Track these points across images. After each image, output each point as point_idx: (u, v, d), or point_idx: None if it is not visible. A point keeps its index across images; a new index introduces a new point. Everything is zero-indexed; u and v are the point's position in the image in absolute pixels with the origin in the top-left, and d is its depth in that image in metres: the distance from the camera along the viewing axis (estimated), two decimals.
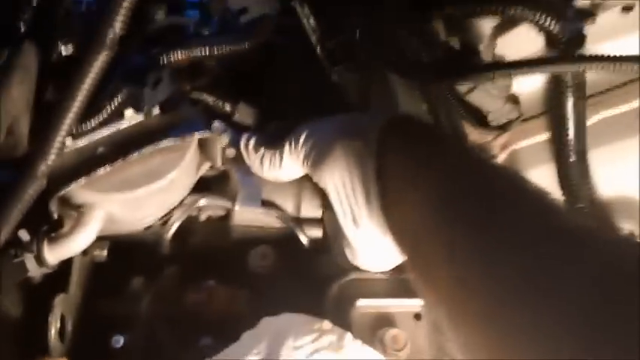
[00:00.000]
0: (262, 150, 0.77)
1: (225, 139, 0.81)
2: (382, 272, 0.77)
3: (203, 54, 0.74)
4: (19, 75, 0.57)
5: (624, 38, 0.75)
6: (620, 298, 0.35)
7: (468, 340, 0.46)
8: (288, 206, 0.86)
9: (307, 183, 0.80)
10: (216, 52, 0.75)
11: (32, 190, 0.60)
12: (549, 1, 0.64)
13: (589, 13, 0.68)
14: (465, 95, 0.78)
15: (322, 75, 0.89)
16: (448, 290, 0.48)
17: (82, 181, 0.68)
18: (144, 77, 0.67)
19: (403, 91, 0.95)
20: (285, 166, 0.74)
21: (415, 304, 0.77)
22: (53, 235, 0.70)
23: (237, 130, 0.82)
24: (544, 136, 0.86)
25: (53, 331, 0.68)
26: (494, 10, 0.62)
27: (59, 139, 0.60)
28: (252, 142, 0.79)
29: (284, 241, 0.85)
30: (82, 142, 0.71)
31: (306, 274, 0.82)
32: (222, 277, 0.81)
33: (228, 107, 0.85)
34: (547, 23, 0.64)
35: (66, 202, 0.71)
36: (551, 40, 0.67)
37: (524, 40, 0.72)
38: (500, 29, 0.73)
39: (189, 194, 0.82)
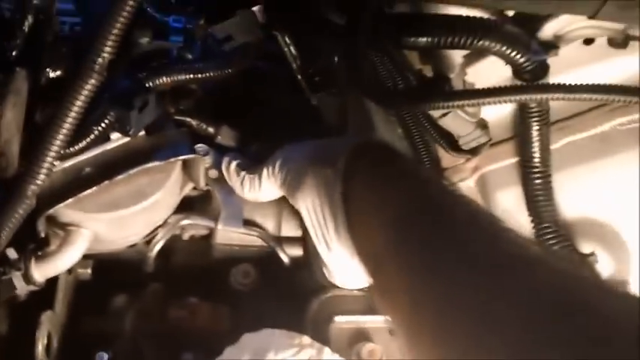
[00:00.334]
0: (243, 173, 0.79)
1: (208, 161, 0.83)
2: (359, 289, 0.80)
3: (187, 79, 0.77)
4: (12, 99, 0.59)
5: (586, 68, 0.79)
6: (548, 327, 0.37)
7: (422, 354, 0.48)
8: (269, 225, 0.88)
9: (287, 203, 0.82)
10: (200, 77, 0.78)
11: (22, 210, 0.62)
12: (515, 34, 0.68)
13: (552, 46, 0.73)
14: (437, 120, 0.81)
15: (302, 98, 0.92)
16: (405, 313, 0.50)
17: (70, 201, 0.70)
18: (131, 101, 0.69)
19: (379, 115, 0.99)
20: (264, 189, 0.77)
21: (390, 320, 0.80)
22: (40, 253, 0.71)
23: (219, 151, 0.85)
24: (512, 159, 0.90)
25: (40, 348, 0.69)
26: (463, 42, 0.66)
27: (49, 160, 0.62)
28: (233, 164, 0.81)
29: (265, 260, 0.87)
30: (69, 163, 0.73)
31: (286, 292, 0.85)
32: (205, 294, 0.83)
33: (211, 129, 0.88)
34: (513, 55, 0.68)
35: (52, 221, 0.73)
36: (517, 70, 0.71)
37: (492, 70, 0.76)
38: (470, 59, 0.77)
39: (172, 214, 0.84)
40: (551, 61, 0.73)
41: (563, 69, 0.76)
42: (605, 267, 0.89)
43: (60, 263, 0.72)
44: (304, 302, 0.83)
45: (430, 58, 0.80)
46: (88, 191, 0.71)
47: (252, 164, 0.80)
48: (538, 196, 0.86)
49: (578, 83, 0.71)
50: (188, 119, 0.86)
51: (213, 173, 0.85)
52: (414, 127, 0.95)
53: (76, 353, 0.76)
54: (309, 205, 0.66)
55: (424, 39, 0.66)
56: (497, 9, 0.69)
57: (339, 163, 0.63)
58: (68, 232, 0.73)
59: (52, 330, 0.72)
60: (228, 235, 0.87)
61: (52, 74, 0.69)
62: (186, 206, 0.87)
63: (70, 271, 0.77)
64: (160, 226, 0.83)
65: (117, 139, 0.75)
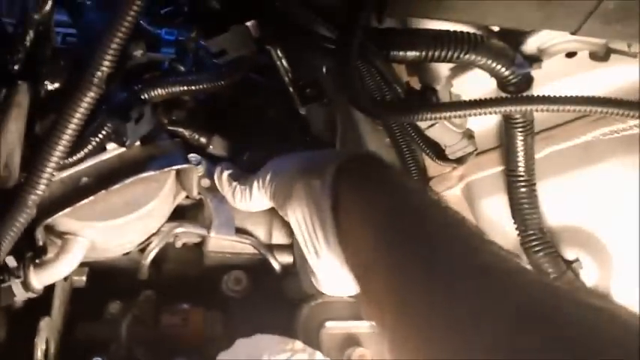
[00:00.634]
0: (234, 184, 0.80)
1: (200, 170, 0.85)
2: (349, 296, 0.82)
3: (182, 90, 0.79)
4: (15, 112, 0.60)
5: (568, 81, 0.82)
6: (523, 335, 0.39)
7: None
8: (260, 233, 0.90)
9: (278, 212, 0.85)
10: (194, 89, 0.79)
11: (23, 220, 0.64)
12: (500, 48, 0.70)
13: (536, 59, 0.75)
14: (425, 130, 0.83)
15: (291, 109, 0.94)
16: (389, 321, 0.52)
17: (67, 210, 0.71)
18: (128, 113, 0.71)
19: (366, 125, 1.01)
20: (255, 200, 0.78)
21: None
22: (38, 261, 0.72)
23: (211, 161, 0.86)
24: (497, 168, 0.92)
25: (39, 354, 0.70)
26: (450, 56, 0.68)
27: (49, 170, 0.64)
28: (225, 174, 0.82)
29: (256, 267, 0.90)
30: (67, 173, 0.74)
31: (277, 298, 0.87)
32: (197, 300, 0.85)
33: (203, 140, 0.90)
34: (498, 68, 0.70)
35: (50, 230, 0.74)
36: (501, 82, 0.73)
37: (477, 82, 0.78)
38: (456, 72, 0.80)
39: (166, 222, 0.86)
40: (535, 73, 0.75)
41: (547, 81, 0.78)
42: (588, 272, 0.91)
43: (58, 271, 0.73)
44: (295, 308, 0.85)
45: (417, 71, 0.82)
46: (85, 201, 0.72)
47: (244, 174, 0.81)
48: (523, 204, 0.88)
49: (561, 95, 0.73)
50: (181, 130, 0.88)
51: (206, 182, 0.87)
52: (400, 137, 0.97)
53: (72, 358, 0.78)
54: (299, 215, 0.67)
55: (412, 53, 0.68)
56: (483, 24, 0.71)
57: (327, 174, 0.64)
58: (65, 240, 0.74)
59: (49, 336, 0.74)
60: (220, 242, 0.89)
61: (50, 87, 0.71)
62: (179, 215, 0.89)
63: (65, 278, 0.78)
64: (153, 235, 0.85)
65: (113, 150, 0.77)
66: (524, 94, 0.73)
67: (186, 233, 0.88)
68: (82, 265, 0.79)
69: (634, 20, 0.60)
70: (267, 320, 0.82)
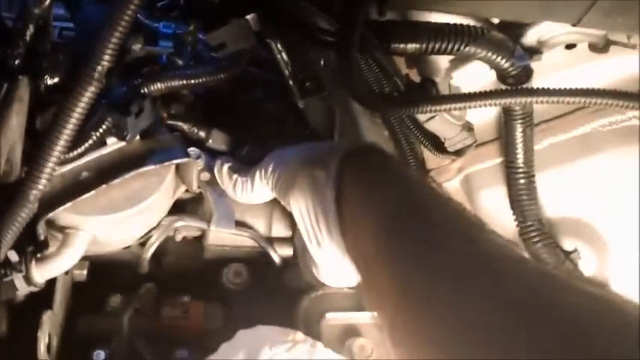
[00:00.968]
0: (235, 176, 0.81)
1: (200, 164, 0.85)
2: (348, 287, 0.83)
3: (181, 84, 0.79)
4: (16, 106, 0.60)
5: (568, 72, 0.82)
6: (520, 323, 0.40)
7: (407, 353, 0.50)
8: (260, 226, 0.91)
9: (277, 205, 0.85)
10: (193, 83, 0.79)
11: (25, 214, 0.64)
12: (500, 40, 0.70)
13: (536, 51, 0.75)
14: (424, 122, 0.84)
15: (290, 102, 0.94)
16: (390, 312, 0.52)
17: (68, 204, 0.71)
18: (128, 107, 0.71)
19: (365, 118, 1.01)
20: (256, 191, 0.79)
21: None
22: (40, 255, 0.72)
23: (211, 154, 0.87)
24: (496, 160, 0.93)
25: (42, 346, 0.71)
26: (450, 48, 0.68)
27: (50, 165, 0.64)
28: (225, 167, 0.83)
29: (256, 259, 0.90)
30: (67, 168, 0.74)
31: (277, 290, 0.87)
32: (198, 293, 0.86)
33: (202, 133, 0.89)
34: (497, 60, 0.71)
35: (51, 224, 0.74)
36: (501, 74, 0.74)
37: (477, 74, 0.78)
38: (456, 64, 0.80)
39: (166, 215, 0.86)
40: (535, 65, 0.75)
41: (547, 73, 0.78)
42: (587, 263, 0.92)
43: (59, 265, 0.73)
44: (295, 300, 0.86)
45: (417, 63, 0.82)
46: (86, 195, 0.72)
47: (244, 167, 0.82)
48: (522, 195, 0.89)
49: (561, 87, 0.74)
50: (180, 124, 0.88)
51: (205, 176, 0.87)
52: (399, 129, 0.97)
53: (74, 352, 0.78)
54: (302, 206, 0.68)
55: (413, 45, 0.68)
56: (483, 17, 0.71)
57: (331, 165, 0.65)
58: (67, 234, 0.74)
59: (51, 329, 0.74)
60: (220, 236, 0.89)
61: (50, 81, 0.71)
62: (179, 208, 0.89)
63: (66, 272, 0.79)
64: (154, 228, 0.85)
65: (113, 144, 0.77)
66: (524, 86, 0.74)
67: (187, 227, 0.88)
68: (83, 259, 0.79)
69: (634, 12, 0.60)
70: (267, 312, 0.83)
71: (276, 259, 0.89)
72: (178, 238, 0.89)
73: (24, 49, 0.65)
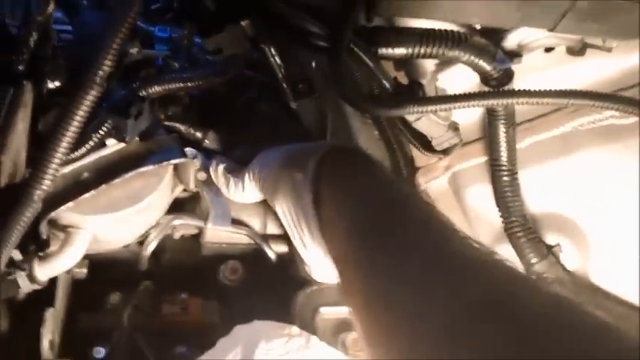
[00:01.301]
0: (229, 177, 0.83)
1: (197, 164, 0.87)
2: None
3: (178, 87, 0.81)
4: (22, 112, 0.63)
5: (547, 74, 0.86)
6: (478, 321, 0.41)
7: (375, 353, 0.51)
8: (256, 224, 0.93)
9: None
10: (190, 86, 0.82)
11: (30, 214, 0.66)
12: (482, 45, 0.74)
13: (516, 54, 0.79)
14: (412, 123, 0.87)
15: (283, 103, 0.96)
16: (361, 311, 0.54)
17: (70, 204, 0.74)
18: (127, 110, 0.73)
19: (356, 118, 1.04)
20: (247, 192, 0.81)
21: None
22: (42, 254, 0.75)
23: (207, 155, 0.89)
24: (482, 158, 0.96)
25: (45, 343, 0.72)
26: (435, 52, 0.71)
27: (54, 166, 0.66)
28: (220, 167, 0.85)
29: (252, 256, 0.92)
30: (69, 169, 0.77)
31: (273, 286, 0.89)
32: (195, 290, 0.87)
33: (198, 134, 0.92)
34: (480, 63, 0.74)
35: (53, 224, 0.77)
36: (484, 77, 0.77)
37: (462, 77, 0.82)
38: (442, 67, 0.83)
39: (164, 214, 0.88)
40: (516, 68, 0.78)
41: (527, 75, 0.82)
42: (568, 256, 0.96)
43: (62, 263, 0.75)
44: (290, 295, 0.88)
45: (404, 66, 0.85)
46: (87, 195, 0.75)
47: (237, 167, 0.84)
48: (506, 192, 0.92)
49: (540, 88, 0.77)
50: (177, 125, 0.91)
51: (202, 175, 0.89)
52: (389, 130, 1.01)
53: (75, 348, 0.80)
54: (284, 207, 0.70)
55: (400, 50, 0.71)
56: (465, 23, 0.74)
57: (309, 167, 0.66)
58: (68, 233, 0.76)
59: (53, 326, 0.76)
60: (217, 233, 0.91)
61: (51, 85, 0.73)
62: (177, 207, 0.91)
63: (67, 270, 0.80)
64: (152, 227, 0.87)
65: (113, 145, 0.79)
66: (506, 87, 0.77)
67: (184, 225, 0.91)
68: (83, 257, 0.80)
69: (607, 18, 0.63)
70: (262, 307, 0.85)
71: (272, 256, 0.92)
72: (176, 236, 0.91)
73: (28, 55, 0.67)
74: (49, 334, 0.74)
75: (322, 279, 0.79)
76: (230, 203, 0.90)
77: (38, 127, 0.72)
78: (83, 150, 0.75)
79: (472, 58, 0.73)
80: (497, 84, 0.77)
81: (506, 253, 0.94)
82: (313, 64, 0.92)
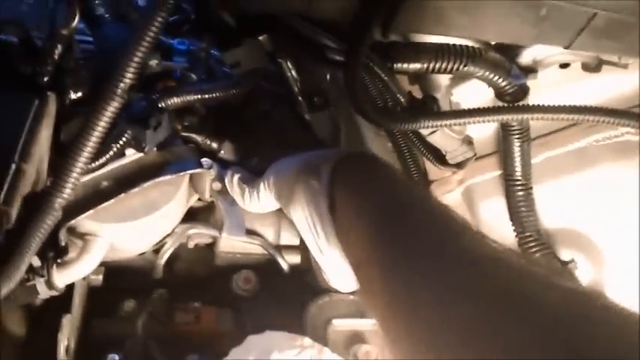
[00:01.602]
0: (244, 187, 0.84)
1: (212, 174, 0.88)
2: (354, 295, 0.86)
3: (196, 99, 0.83)
4: (46, 121, 0.64)
5: (562, 90, 0.86)
6: (498, 316, 0.42)
7: (400, 353, 0.52)
8: (269, 234, 0.94)
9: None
10: (208, 98, 0.83)
11: (50, 221, 0.67)
12: (497, 60, 0.74)
13: (532, 70, 0.79)
14: (426, 136, 0.87)
15: (298, 114, 0.98)
16: (382, 312, 0.54)
17: (89, 212, 0.75)
18: (147, 121, 0.75)
19: (369, 131, 1.05)
20: (263, 201, 0.82)
21: None
22: (60, 261, 0.76)
23: (222, 165, 0.90)
24: (496, 172, 0.96)
25: (62, 349, 0.73)
26: (450, 68, 0.72)
27: (75, 175, 0.67)
28: (235, 177, 0.86)
29: (265, 267, 0.93)
30: (88, 177, 0.78)
31: (286, 297, 0.90)
32: (209, 299, 0.88)
33: (214, 145, 0.93)
34: (495, 79, 0.74)
35: (72, 231, 0.78)
36: (499, 92, 0.78)
37: (476, 91, 0.82)
38: (456, 81, 0.84)
39: (179, 223, 0.89)
40: (532, 83, 0.79)
41: (543, 91, 0.82)
42: (583, 273, 0.95)
43: (79, 270, 0.76)
44: (303, 306, 0.88)
45: (419, 80, 0.86)
46: (106, 203, 0.76)
47: (252, 177, 0.85)
48: (520, 207, 0.92)
49: (555, 104, 0.77)
50: (194, 135, 0.92)
51: (217, 186, 0.90)
52: (402, 142, 1.01)
53: (89, 354, 0.80)
54: (300, 215, 0.71)
55: (415, 65, 0.72)
56: (481, 39, 0.75)
57: (323, 174, 0.67)
58: (86, 241, 0.78)
59: (70, 332, 0.77)
60: (231, 243, 0.92)
61: (73, 96, 0.75)
62: (192, 216, 0.93)
63: (83, 277, 0.81)
64: (167, 236, 0.89)
65: (131, 155, 0.81)
66: (521, 103, 0.78)
67: (199, 234, 0.92)
68: (99, 264, 0.82)
69: (622, 36, 0.64)
70: (275, 318, 0.86)
71: (284, 266, 0.93)
72: (191, 245, 0.92)
73: (52, 67, 0.69)
74: (65, 340, 0.75)
75: (339, 286, 0.79)
76: (244, 213, 0.91)
77: (60, 136, 0.73)
78: (103, 159, 0.76)
79: (487, 73, 0.74)
80: (511, 99, 0.77)
81: None
82: (328, 77, 0.94)
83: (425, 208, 0.59)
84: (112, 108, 0.67)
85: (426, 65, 0.72)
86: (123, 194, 0.77)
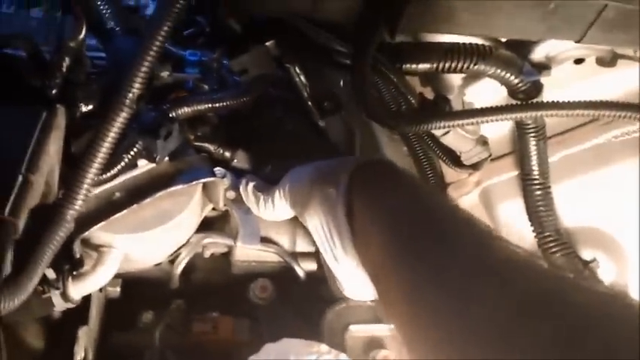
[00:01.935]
0: (259, 195, 0.84)
1: (226, 183, 0.88)
2: (370, 300, 0.85)
3: (207, 108, 0.83)
4: (54, 134, 0.65)
5: (577, 86, 0.85)
6: (528, 327, 0.41)
7: None
8: (285, 242, 0.94)
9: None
10: (218, 106, 0.83)
11: (63, 233, 0.67)
12: (508, 57, 0.73)
13: (545, 67, 0.78)
14: (440, 138, 0.86)
15: (311, 121, 0.97)
16: (404, 321, 0.54)
17: (102, 224, 0.75)
18: (157, 131, 0.75)
19: (384, 135, 1.04)
20: (278, 209, 0.82)
21: None
22: (76, 273, 0.76)
23: (236, 174, 0.90)
24: (513, 173, 0.95)
25: None
26: (460, 67, 0.71)
27: (86, 187, 0.68)
28: (250, 186, 0.86)
29: (281, 274, 0.93)
30: (101, 189, 0.78)
31: (302, 304, 0.89)
32: (226, 308, 0.88)
33: (227, 154, 0.93)
34: (507, 76, 0.73)
35: (86, 243, 0.78)
36: (511, 90, 0.76)
37: (489, 90, 0.81)
38: (468, 81, 0.83)
39: (194, 233, 0.89)
40: (546, 80, 0.78)
41: (558, 87, 0.81)
42: (606, 272, 0.94)
43: (95, 282, 0.76)
44: (320, 313, 0.88)
45: (431, 81, 0.85)
46: (119, 214, 0.76)
47: (267, 185, 0.85)
48: (539, 206, 0.91)
49: (570, 100, 0.76)
50: (206, 145, 0.92)
51: (231, 194, 0.90)
52: (417, 145, 1.01)
53: None
54: (317, 223, 0.71)
55: (424, 65, 0.71)
56: (490, 36, 0.74)
57: (341, 182, 0.67)
58: (101, 252, 0.78)
59: (87, 344, 0.77)
60: (246, 252, 0.92)
61: (84, 108, 0.75)
62: (206, 226, 0.92)
63: (100, 289, 0.82)
64: (183, 246, 0.88)
65: (143, 166, 0.81)
66: (534, 100, 0.76)
67: (214, 243, 0.91)
68: (116, 276, 0.82)
69: (634, 27, 0.62)
70: (292, 325, 0.85)
71: (301, 273, 0.92)
72: (206, 254, 0.92)
73: (61, 80, 0.70)
74: (81, 352, 0.75)
75: (353, 294, 0.78)
76: (259, 221, 0.90)
77: (71, 148, 0.73)
78: (115, 170, 0.76)
79: (498, 71, 0.73)
80: (525, 97, 0.76)
81: None
82: (341, 83, 0.93)
83: (447, 214, 0.59)
84: (121, 118, 0.67)
85: (435, 65, 0.71)
86: (136, 205, 0.77)
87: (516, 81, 0.74)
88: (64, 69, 0.69)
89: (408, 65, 0.72)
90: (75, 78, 0.73)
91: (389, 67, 0.73)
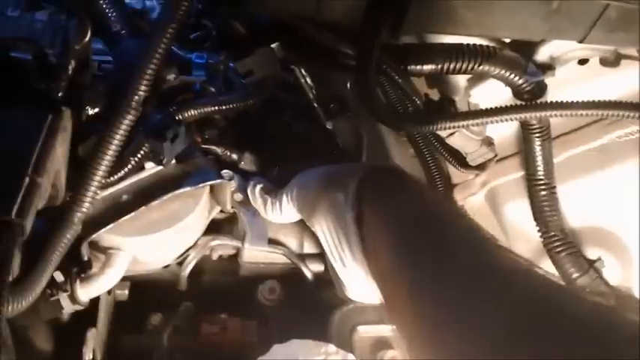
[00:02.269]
0: (266, 197, 0.84)
1: (233, 185, 0.89)
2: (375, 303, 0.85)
3: (213, 110, 0.83)
4: (61, 136, 0.65)
5: (582, 86, 0.85)
6: (526, 331, 0.42)
7: None
8: (293, 244, 0.94)
9: None
10: (224, 109, 0.84)
11: (70, 236, 0.68)
12: (512, 58, 0.73)
13: (549, 67, 0.78)
14: (445, 139, 0.86)
15: (318, 123, 0.98)
16: (408, 327, 0.55)
17: (110, 226, 0.76)
18: (164, 133, 0.75)
19: (391, 137, 1.05)
20: (285, 213, 0.82)
21: None
22: (84, 275, 0.77)
23: (243, 176, 0.90)
24: (519, 173, 0.95)
25: None
26: (465, 68, 0.71)
27: (93, 189, 0.68)
28: (257, 188, 0.86)
29: (289, 276, 0.93)
30: (108, 192, 0.79)
31: (310, 305, 0.90)
32: (234, 310, 0.88)
33: (234, 156, 0.94)
34: (511, 77, 0.74)
35: (94, 246, 0.79)
36: (516, 90, 0.77)
37: (494, 91, 0.81)
38: (474, 82, 0.83)
39: (202, 235, 0.90)
40: (551, 80, 0.78)
41: (562, 88, 0.81)
42: (611, 271, 0.93)
43: (103, 284, 0.77)
44: (327, 314, 0.88)
45: (436, 82, 0.86)
46: (126, 217, 0.76)
47: (274, 188, 0.85)
48: (544, 207, 0.91)
49: (575, 100, 0.76)
50: (213, 147, 0.93)
51: (239, 197, 0.90)
52: (424, 147, 1.01)
53: None
54: (324, 227, 0.71)
55: (429, 66, 0.72)
56: (494, 37, 0.74)
57: (350, 188, 0.67)
58: (109, 255, 0.78)
59: (95, 346, 0.78)
60: (254, 253, 0.92)
61: (90, 111, 0.76)
62: (214, 228, 0.93)
63: (109, 292, 0.82)
64: (190, 248, 0.89)
65: (151, 168, 0.81)
66: (539, 100, 0.76)
67: (222, 245, 0.92)
68: (124, 279, 0.83)
69: (635, 27, 0.63)
70: (300, 326, 0.85)
71: (309, 275, 0.92)
72: (214, 256, 0.93)
73: (66, 83, 0.70)
74: (90, 354, 0.75)
75: (358, 298, 0.79)
76: (267, 223, 0.91)
77: (78, 151, 0.74)
78: (122, 173, 0.77)
79: (502, 72, 0.73)
80: (529, 97, 0.76)
81: (546, 268, 0.93)
82: (348, 85, 0.94)
83: (453, 223, 0.60)
84: (127, 121, 0.68)
85: (440, 66, 0.72)
86: (143, 207, 0.78)
87: (520, 81, 0.75)
88: (70, 72, 0.70)
89: (413, 66, 0.72)
90: (81, 81, 0.74)
91: (394, 68, 0.73)
